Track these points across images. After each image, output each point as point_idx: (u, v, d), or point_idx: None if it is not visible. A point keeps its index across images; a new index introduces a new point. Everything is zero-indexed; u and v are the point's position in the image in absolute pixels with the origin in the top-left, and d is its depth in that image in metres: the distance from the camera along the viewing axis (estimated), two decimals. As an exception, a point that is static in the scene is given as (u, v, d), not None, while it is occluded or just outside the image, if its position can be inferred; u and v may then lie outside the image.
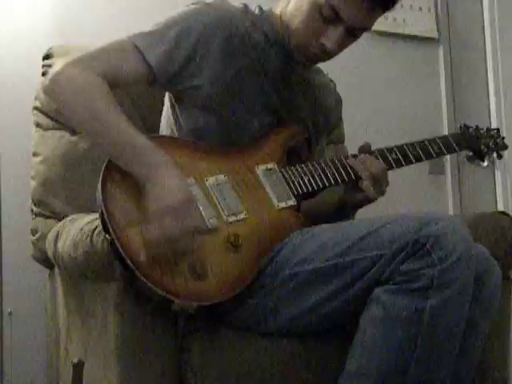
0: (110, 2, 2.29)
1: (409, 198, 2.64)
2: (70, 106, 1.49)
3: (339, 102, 1.90)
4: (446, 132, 2.81)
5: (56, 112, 1.85)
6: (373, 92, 2.69)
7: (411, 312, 1.31)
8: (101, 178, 1.42)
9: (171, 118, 1.67)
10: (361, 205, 1.66)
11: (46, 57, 1.95)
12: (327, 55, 1.61)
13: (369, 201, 1.62)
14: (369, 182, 1.58)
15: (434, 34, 2.82)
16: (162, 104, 1.75)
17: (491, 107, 2.93)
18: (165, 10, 2.29)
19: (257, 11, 1.68)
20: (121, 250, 1.34)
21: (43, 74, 1.94)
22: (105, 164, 1.44)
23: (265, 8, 1.69)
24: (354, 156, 1.64)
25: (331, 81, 1.90)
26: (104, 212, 1.37)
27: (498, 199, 2.88)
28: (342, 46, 1.58)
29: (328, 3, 1.52)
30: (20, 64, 2.13)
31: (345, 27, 1.55)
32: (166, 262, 1.36)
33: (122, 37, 1.56)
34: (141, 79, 1.57)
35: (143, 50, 1.53)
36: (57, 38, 2.12)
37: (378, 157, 1.64)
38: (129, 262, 1.33)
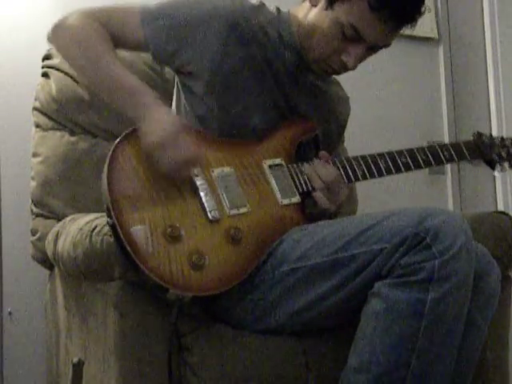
0: (110, 4, 2.29)
1: (409, 199, 2.64)
2: (70, 51, 1.54)
3: (349, 113, 1.91)
4: (445, 132, 2.81)
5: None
6: (373, 92, 2.69)
7: (412, 305, 1.31)
8: (107, 163, 1.42)
9: (180, 104, 1.67)
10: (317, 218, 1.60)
11: (46, 57, 1.96)
12: (345, 70, 1.63)
13: (324, 214, 1.59)
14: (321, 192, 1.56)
15: (434, 35, 2.82)
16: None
17: (491, 107, 2.93)
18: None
19: (274, 11, 1.68)
20: (120, 233, 1.35)
21: (43, 75, 1.95)
22: (111, 150, 1.44)
23: (283, 9, 1.69)
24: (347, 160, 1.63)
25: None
26: (107, 196, 1.38)
27: (498, 199, 2.88)
28: (361, 61, 1.60)
29: (350, 24, 1.53)
30: (20, 64, 2.14)
31: (366, 45, 1.56)
32: (165, 249, 1.37)
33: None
34: (136, 46, 1.59)
35: (143, 19, 1.56)
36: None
37: (388, 160, 1.64)
38: (127, 246, 1.34)
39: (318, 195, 1.56)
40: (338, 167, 1.61)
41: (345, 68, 1.61)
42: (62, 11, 2.20)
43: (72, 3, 2.21)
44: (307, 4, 1.62)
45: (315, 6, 1.60)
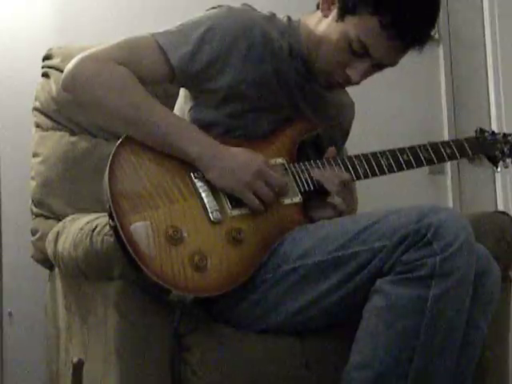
0: (110, 3, 2.29)
1: (409, 199, 2.63)
2: (102, 100, 1.48)
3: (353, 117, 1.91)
4: (445, 132, 2.80)
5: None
6: (373, 92, 2.67)
7: (414, 301, 1.32)
8: (108, 165, 1.42)
9: (183, 107, 1.66)
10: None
11: (46, 57, 1.96)
12: (349, 84, 1.63)
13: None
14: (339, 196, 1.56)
15: (435, 35, 2.82)
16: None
17: (491, 107, 2.92)
18: (165, 10, 2.33)
19: (285, 20, 1.67)
20: (122, 235, 1.35)
21: (43, 75, 1.95)
22: (112, 152, 1.44)
23: (295, 18, 1.68)
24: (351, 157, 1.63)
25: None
26: (108, 197, 1.38)
27: (498, 199, 2.87)
28: (365, 76, 1.60)
29: (358, 38, 1.53)
30: (20, 65, 2.14)
31: (372, 62, 1.56)
32: (167, 251, 1.37)
33: (143, 34, 1.55)
34: (160, 78, 1.57)
35: (166, 49, 1.53)
36: (57, 38, 2.13)
37: (389, 157, 1.64)
38: (129, 248, 1.34)
39: (338, 200, 1.56)
40: (340, 166, 1.61)
41: (348, 82, 1.61)
42: (62, 12, 2.22)
43: (72, 4, 2.24)
44: (319, 14, 1.62)
45: (327, 17, 1.60)
